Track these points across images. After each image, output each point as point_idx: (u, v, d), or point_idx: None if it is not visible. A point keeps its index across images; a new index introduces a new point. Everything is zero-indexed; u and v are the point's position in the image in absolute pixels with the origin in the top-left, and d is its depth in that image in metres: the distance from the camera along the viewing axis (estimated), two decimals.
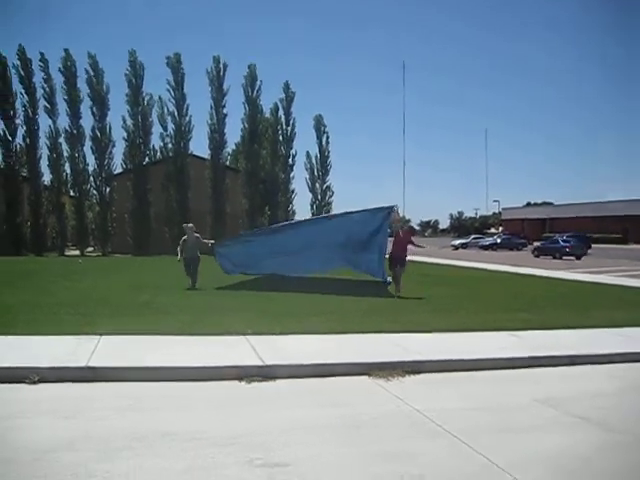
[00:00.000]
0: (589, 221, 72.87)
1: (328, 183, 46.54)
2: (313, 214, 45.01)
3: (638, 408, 6.11)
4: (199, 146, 55.12)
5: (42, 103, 40.39)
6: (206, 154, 43.43)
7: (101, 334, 8.14)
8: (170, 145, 42.72)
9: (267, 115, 45.34)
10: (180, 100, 42.08)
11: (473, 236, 74.14)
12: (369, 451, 4.57)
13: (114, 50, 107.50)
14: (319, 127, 46.53)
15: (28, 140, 40.07)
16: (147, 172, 41.56)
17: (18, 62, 39.68)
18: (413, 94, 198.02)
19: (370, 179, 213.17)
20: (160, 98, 42.43)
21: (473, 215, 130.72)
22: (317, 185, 46.30)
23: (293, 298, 13.02)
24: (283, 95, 45.57)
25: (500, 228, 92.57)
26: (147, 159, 42.85)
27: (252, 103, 43.81)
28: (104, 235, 41.62)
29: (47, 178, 41.13)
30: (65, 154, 40.83)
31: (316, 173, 46.33)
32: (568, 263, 34.04)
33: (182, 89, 42.14)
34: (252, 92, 43.76)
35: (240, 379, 6.54)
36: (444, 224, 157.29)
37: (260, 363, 6.94)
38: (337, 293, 13.87)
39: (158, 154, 44.63)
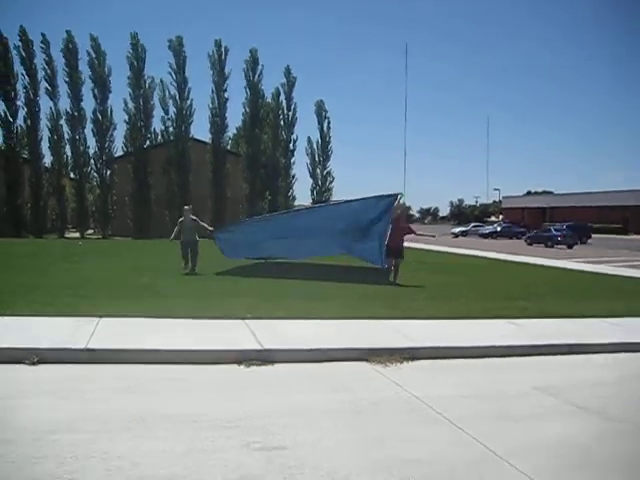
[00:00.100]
0: (589, 211, 72.64)
1: (329, 169, 46.58)
2: (313, 200, 45.04)
3: (638, 397, 6.12)
4: (200, 130, 54.69)
5: (43, 85, 40.36)
6: (207, 138, 43.40)
7: (101, 316, 8.14)
8: (171, 128, 42.66)
9: (268, 100, 45.20)
10: (182, 83, 41.93)
11: (473, 224, 74.03)
12: (367, 436, 4.57)
13: (116, 32, 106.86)
14: (320, 112, 46.42)
15: (29, 122, 39.98)
16: (148, 155, 41.49)
17: (19, 43, 39.54)
18: (414, 81, 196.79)
19: (371, 165, 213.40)
20: (162, 81, 42.37)
21: (473, 203, 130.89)
22: (318, 171, 46.29)
23: (292, 284, 13.01)
24: (284, 80, 45.47)
25: (500, 216, 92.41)
26: (148, 142, 42.79)
27: (253, 87, 43.64)
28: (104, 218, 41.64)
29: (48, 160, 41.21)
30: (66, 136, 40.80)
31: (317, 159, 46.31)
32: (570, 253, 34.01)
33: (184, 72, 41.99)
34: (253, 76, 43.58)
35: (239, 363, 6.55)
36: (444, 212, 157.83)
37: (259, 347, 6.95)
38: (336, 279, 13.87)
39: (159, 137, 44.54)
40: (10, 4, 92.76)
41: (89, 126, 41.09)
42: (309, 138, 46.53)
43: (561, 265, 22.17)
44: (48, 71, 40.18)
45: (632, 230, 68.34)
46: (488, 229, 63.79)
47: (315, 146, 46.29)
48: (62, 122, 40.61)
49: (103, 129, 41.09)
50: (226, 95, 43.18)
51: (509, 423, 5.01)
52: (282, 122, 45.39)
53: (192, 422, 4.67)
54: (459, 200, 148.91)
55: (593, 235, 51.20)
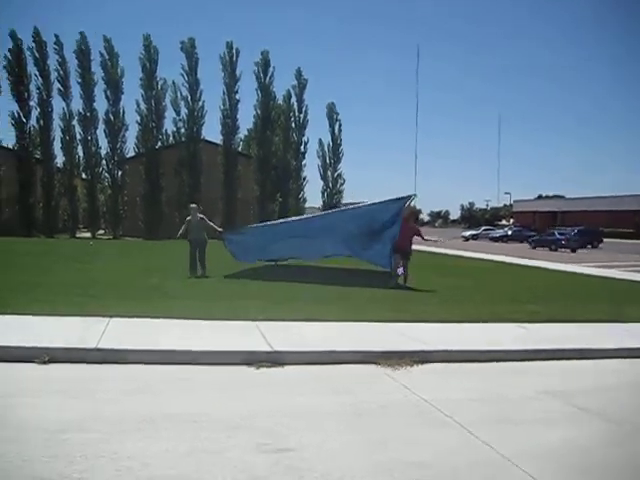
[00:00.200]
0: (601, 215, 72.03)
1: (339, 171, 46.64)
2: (324, 202, 45.10)
3: None
4: (211, 131, 55.46)
5: (56, 86, 40.71)
6: (218, 140, 43.55)
7: (111, 316, 8.19)
8: (183, 130, 42.86)
9: (280, 102, 45.29)
10: (194, 85, 42.13)
11: (484, 227, 73.76)
12: (373, 439, 4.57)
13: (129, 34, 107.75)
14: (331, 115, 46.49)
15: (42, 122, 40.33)
16: (159, 156, 41.70)
17: (33, 44, 39.90)
18: (425, 83, 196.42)
19: (381, 167, 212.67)
20: (174, 83, 42.63)
21: (484, 207, 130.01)
22: (329, 173, 46.35)
23: (302, 287, 13.02)
24: (295, 82, 45.59)
25: (511, 220, 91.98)
26: (160, 143, 43.02)
27: (265, 89, 43.75)
28: (115, 218, 41.89)
29: (60, 160, 41.61)
30: (78, 137, 41.15)
31: (328, 161, 46.37)
32: (580, 257, 33.85)
33: (196, 74, 42.20)
34: (265, 78, 43.69)
35: (249, 364, 6.57)
36: (455, 215, 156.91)
37: (269, 349, 6.96)
38: (346, 283, 13.84)
39: (171, 139, 44.81)
40: (25, 6, 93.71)
41: (101, 127, 41.54)
42: (320, 140, 46.68)
43: (570, 269, 22.06)
44: (61, 72, 40.55)
45: None
46: (499, 233, 63.58)
47: (326, 148, 46.37)
48: (74, 123, 41.04)
49: (115, 130, 41.37)
50: (237, 97, 43.43)
51: (516, 427, 4.99)
52: (293, 124, 45.48)
53: (200, 423, 4.70)
54: (470, 203, 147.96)
55: (604, 239, 50.92)
